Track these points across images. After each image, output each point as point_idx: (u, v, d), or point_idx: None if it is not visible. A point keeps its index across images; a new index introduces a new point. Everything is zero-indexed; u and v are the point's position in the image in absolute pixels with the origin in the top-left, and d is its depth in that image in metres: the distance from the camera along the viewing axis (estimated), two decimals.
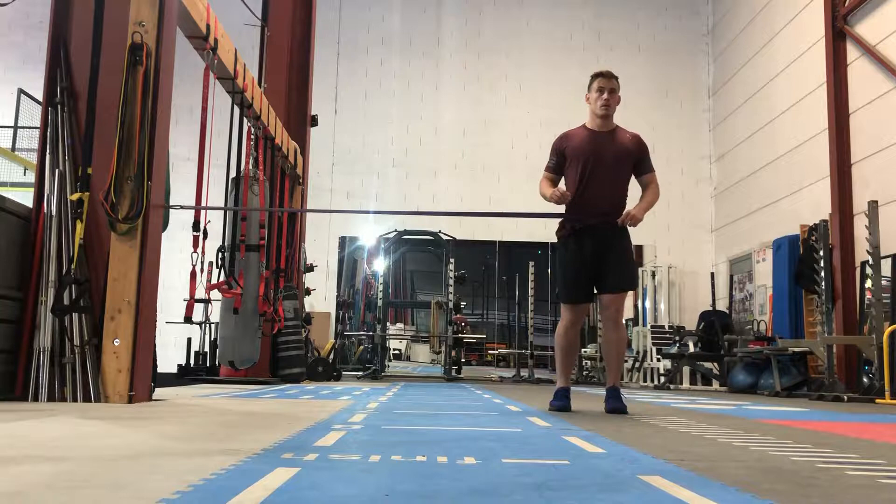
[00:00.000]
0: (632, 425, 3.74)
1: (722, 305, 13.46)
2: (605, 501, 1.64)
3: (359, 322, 16.04)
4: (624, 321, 5.37)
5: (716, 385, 11.37)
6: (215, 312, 6.99)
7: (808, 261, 9.75)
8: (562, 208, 4.67)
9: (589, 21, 14.89)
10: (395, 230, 13.87)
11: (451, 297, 12.16)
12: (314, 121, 10.28)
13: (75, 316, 4.39)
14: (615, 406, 4.49)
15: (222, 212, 6.97)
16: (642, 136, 4.85)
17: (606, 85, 4.64)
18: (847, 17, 9.90)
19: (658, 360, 12.63)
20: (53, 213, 4.53)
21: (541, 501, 1.61)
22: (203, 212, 5.76)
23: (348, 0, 14.81)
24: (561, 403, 4.60)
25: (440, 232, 13.44)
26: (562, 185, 4.72)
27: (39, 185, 4.63)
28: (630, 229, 4.68)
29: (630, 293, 15.54)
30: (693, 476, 2.02)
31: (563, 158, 4.68)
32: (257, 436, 2.76)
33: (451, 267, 12.31)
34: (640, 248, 15.36)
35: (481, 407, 5.06)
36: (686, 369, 11.69)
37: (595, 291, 4.68)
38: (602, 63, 14.93)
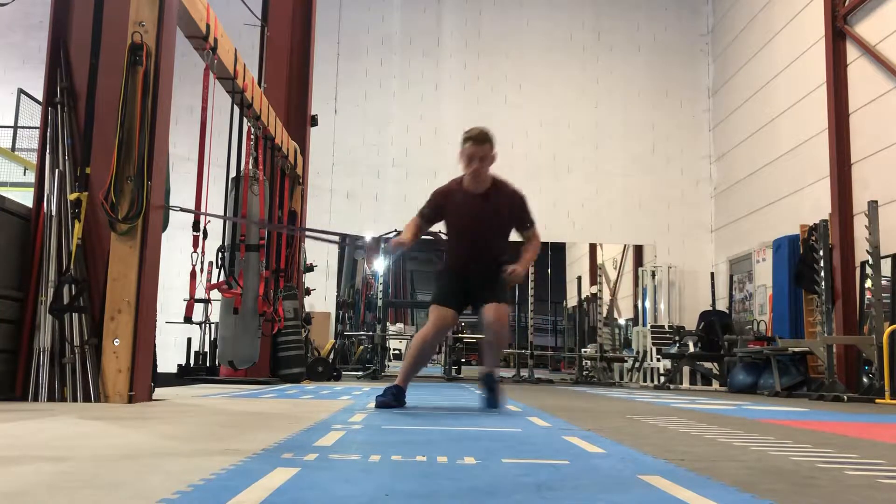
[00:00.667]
0: (632, 425, 3.74)
1: (722, 305, 13.46)
2: (605, 501, 1.64)
3: (359, 322, 16.04)
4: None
5: (716, 385, 11.38)
6: (215, 312, 6.99)
7: (808, 261, 9.76)
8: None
9: (589, 21, 14.89)
10: (396, 230, 13.86)
11: None
12: (314, 121, 10.29)
13: (75, 316, 4.39)
14: (487, 398, 4.69)
15: (222, 211, 6.98)
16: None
17: (476, 152, 4.56)
18: (847, 17, 9.90)
19: (658, 360, 12.64)
20: (53, 212, 4.53)
21: (541, 501, 1.61)
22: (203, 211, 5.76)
23: (348, 0, 14.81)
24: (385, 399, 4.51)
25: (440, 232, 13.43)
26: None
27: (39, 185, 4.63)
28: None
29: (629, 292, 15.61)
30: (693, 476, 2.02)
31: (438, 215, 4.79)
32: (257, 436, 2.76)
33: None
34: (639, 248, 15.39)
35: (481, 407, 5.05)
36: (686, 369, 11.69)
37: (471, 308, 4.77)
38: (602, 63, 15.05)
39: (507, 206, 4.71)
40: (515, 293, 15.21)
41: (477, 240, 4.70)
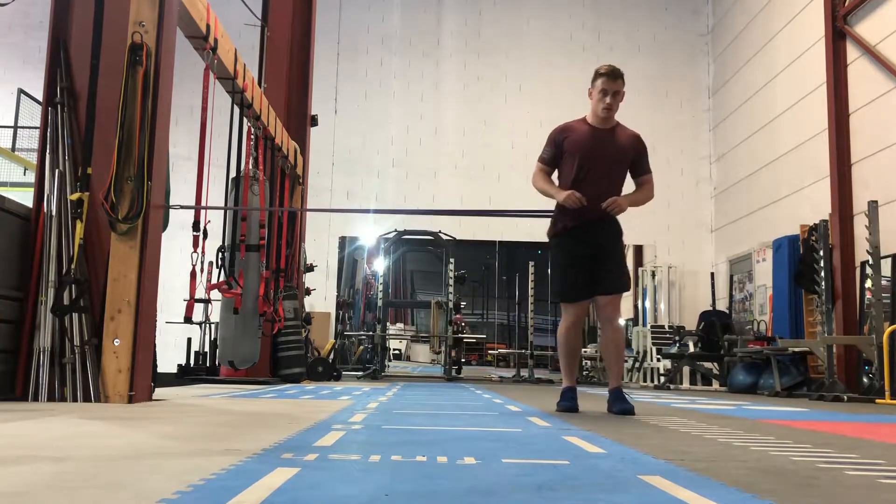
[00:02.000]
0: (632, 425, 3.74)
1: (722, 305, 13.46)
2: (605, 501, 1.64)
3: (359, 322, 16.04)
4: (621, 321, 5.35)
5: (716, 385, 11.37)
6: (215, 312, 6.99)
7: (808, 261, 9.75)
8: (554, 205, 4.64)
9: (589, 21, 14.89)
10: (395, 230, 13.86)
11: (451, 297, 12.16)
12: (314, 121, 10.29)
13: (75, 316, 4.39)
14: (623, 408, 4.41)
15: (222, 211, 6.98)
16: (642, 135, 4.80)
17: (610, 87, 4.52)
18: (847, 17, 9.90)
19: (658, 360, 12.64)
20: (53, 212, 4.53)
21: (541, 501, 1.61)
22: (203, 212, 5.76)
23: (348, 0, 14.81)
24: (568, 404, 4.54)
25: (440, 232, 13.44)
26: (554, 177, 4.69)
27: (39, 185, 4.63)
28: (624, 231, 4.69)
29: (630, 295, 15.62)
30: (693, 476, 2.02)
31: (559, 151, 4.63)
32: (257, 436, 2.76)
33: (451, 267, 12.32)
34: (640, 248, 15.39)
35: (481, 407, 5.06)
36: (686, 369, 11.69)
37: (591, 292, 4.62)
38: (602, 63, 14.96)
39: (632, 147, 4.63)
40: (515, 293, 15.20)
41: (600, 177, 4.50)
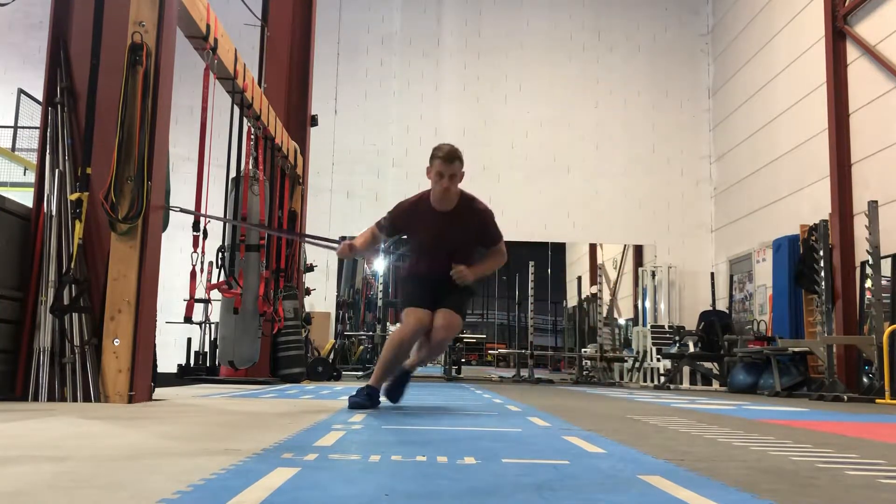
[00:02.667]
0: (632, 425, 3.74)
1: (722, 305, 13.46)
2: (605, 501, 1.64)
3: (359, 322, 16.05)
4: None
5: (716, 385, 11.37)
6: (215, 312, 6.99)
7: (808, 261, 9.75)
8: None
9: (589, 21, 14.89)
10: None
11: None
12: (314, 121, 10.29)
13: (75, 316, 4.39)
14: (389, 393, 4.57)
15: (222, 212, 6.98)
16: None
17: (446, 170, 4.40)
18: (847, 17, 9.90)
19: (658, 360, 12.64)
20: (53, 212, 4.53)
21: (541, 501, 1.61)
22: (203, 211, 5.76)
23: (348, 0, 14.81)
24: (360, 400, 4.41)
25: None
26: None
27: (39, 185, 4.63)
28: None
29: (629, 292, 15.61)
30: (693, 476, 2.02)
31: (397, 230, 4.79)
32: (257, 436, 2.76)
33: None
34: (639, 248, 15.38)
35: (481, 407, 5.06)
36: (686, 369, 11.69)
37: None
38: (602, 63, 15.05)
39: (474, 225, 4.61)
40: (516, 293, 15.20)
41: (441, 257, 4.56)
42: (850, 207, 9.71)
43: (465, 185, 4.70)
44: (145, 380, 4.57)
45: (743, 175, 13.17)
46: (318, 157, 11.96)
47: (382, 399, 4.60)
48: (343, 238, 15.13)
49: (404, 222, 4.70)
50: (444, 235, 4.57)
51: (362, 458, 2.21)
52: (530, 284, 12.79)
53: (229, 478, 1.80)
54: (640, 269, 15.00)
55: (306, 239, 9.07)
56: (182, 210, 5.38)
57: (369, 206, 14.25)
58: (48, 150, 4.63)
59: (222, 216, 6.92)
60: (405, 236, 4.85)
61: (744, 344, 10.57)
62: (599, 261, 17.05)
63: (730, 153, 13.82)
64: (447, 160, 4.42)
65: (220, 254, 6.47)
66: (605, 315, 14.77)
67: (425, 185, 4.68)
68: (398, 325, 4.72)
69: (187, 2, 5.12)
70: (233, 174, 7.00)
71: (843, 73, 9.97)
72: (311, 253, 11.46)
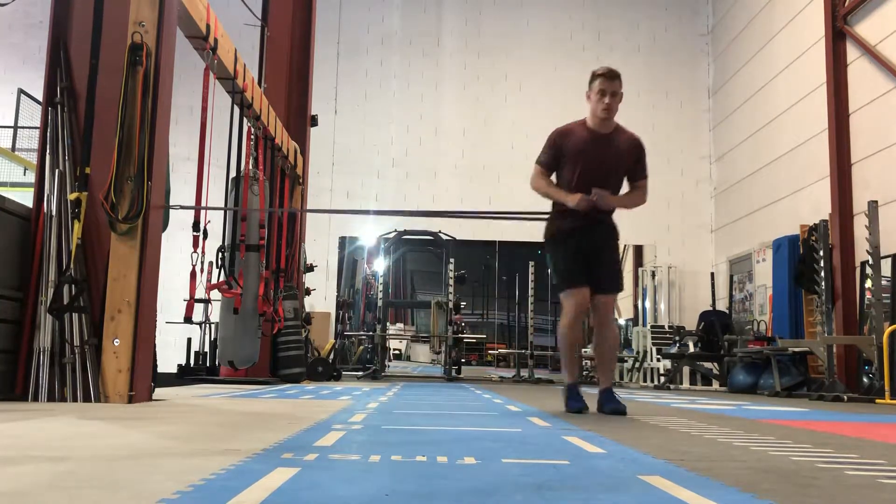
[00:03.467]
0: (632, 425, 3.74)
1: (722, 305, 13.46)
2: (605, 501, 1.64)
3: (359, 322, 16.04)
4: (620, 321, 5.32)
5: (716, 385, 11.37)
6: (215, 312, 6.99)
7: (808, 261, 9.75)
8: (550, 205, 4.62)
9: (589, 21, 14.89)
10: (395, 230, 13.86)
11: (451, 297, 12.17)
12: (314, 121, 10.29)
13: (75, 316, 4.39)
14: (615, 408, 4.37)
15: (222, 212, 6.98)
16: (642, 137, 4.77)
17: (609, 87, 4.45)
18: (847, 17, 9.90)
19: (658, 360, 12.64)
20: (53, 213, 4.53)
21: (541, 501, 1.61)
22: (203, 212, 5.76)
23: (348, 0, 14.81)
24: (578, 405, 4.43)
25: (440, 232, 13.44)
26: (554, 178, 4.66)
27: (39, 185, 4.63)
28: (624, 231, 4.68)
29: (629, 292, 15.62)
30: (693, 476, 2.02)
31: (559, 155, 4.58)
32: (257, 436, 2.76)
33: (451, 267, 12.32)
34: (640, 248, 15.39)
35: (481, 407, 5.06)
36: (686, 369, 11.69)
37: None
38: (602, 63, 14.96)
39: (631, 152, 4.57)
40: (515, 293, 15.19)
41: (599, 182, 4.42)
42: (850, 207, 9.71)
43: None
44: (145, 380, 4.57)
45: (743, 175, 13.17)
46: (318, 157, 11.96)
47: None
48: (343, 238, 15.15)
49: (561, 143, 4.56)
50: (604, 158, 4.48)
51: (362, 458, 2.21)
52: (530, 284, 12.79)
53: (229, 478, 1.80)
54: (640, 270, 15.00)
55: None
56: (182, 207, 5.38)
57: (369, 206, 14.26)
58: (48, 150, 4.63)
59: (221, 215, 6.92)
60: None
61: (744, 344, 10.56)
62: None
63: (730, 153, 13.82)
64: (609, 77, 4.46)
65: (220, 254, 6.47)
66: None
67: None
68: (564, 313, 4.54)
69: (187, 2, 5.12)
70: (233, 174, 7.00)
71: (843, 73, 9.97)
72: (311, 253, 11.46)
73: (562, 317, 4.61)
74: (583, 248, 4.51)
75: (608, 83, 4.47)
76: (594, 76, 4.53)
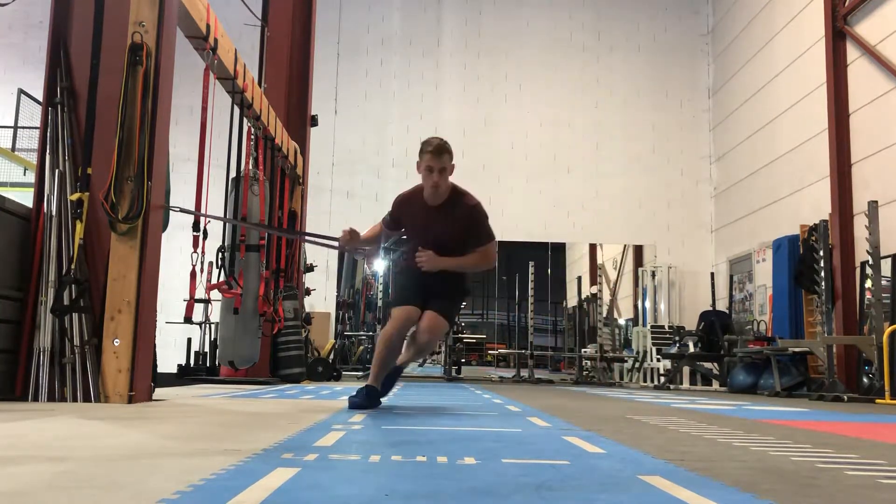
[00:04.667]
0: (632, 425, 3.74)
1: (722, 305, 13.46)
2: (605, 501, 1.64)
3: (359, 322, 16.05)
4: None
5: (716, 385, 11.38)
6: (215, 312, 6.99)
7: (808, 261, 9.75)
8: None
9: (589, 21, 14.89)
10: None
11: None
12: (314, 121, 10.29)
13: (75, 316, 4.39)
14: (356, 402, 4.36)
15: (222, 212, 6.98)
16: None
17: (435, 164, 4.40)
18: (847, 17, 9.90)
19: (658, 360, 12.64)
20: (53, 213, 4.53)
21: (541, 501, 1.61)
22: (203, 211, 5.76)
23: (348, 0, 14.81)
24: (360, 401, 4.38)
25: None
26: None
27: (39, 185, 4.63)
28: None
29: (629, 292, 15.61)
30: (693, 476, 2.02)
31: (397, 222, 4.77)
32: (257, 436, 2.76)
33: None
34: (639, 248, 15.39)
35: (481, 407, 5.06)
36: (686, 369, 11.69)
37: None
38: (602, 63, 15.05)
39: (464, 221, 4.54)
40: (515, 293, 15.17)
41: (434, 251, 4.52)
42: (850, 207, 9.71)
43: (466, 185, 4.70)
44: (145, 380, 4.57)
45: (743, 175, 13.17)
46: (318, 157, 11.96)
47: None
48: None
49: (400, 213, 4.72)
50: (432, 229, 4.56)
51: (362, 458, 2.21)
52: (530, 284, 12.79)
53: (229, 478, 1.80)
54: (640, 270, 14.99)
55: (306, 238, 9.04)
56: (182, 210, 5.38)
57: (369, 206, 14.24)
58: (48, 150, 4.63)
59: (222, 216, 6.92)
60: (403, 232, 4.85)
61: (744, 344, 10.56)
62: (599, 261, 17.05)
63: (730, 153, 13.82)
64: (436, 154, 4.41)
65: (220, 254, 6.47)
66: (605, 315, 14.76)
67: None
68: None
69: (187, 2, 5.12)
70: (233, 174, 7.00)
71: (843, 73, 9.97)
72: (311, 253, 11.46)
73: (388, 324, 4.60)
74: (418, 276, 4.58)
75: (435, 159, 4.41)
76: (422, 150, 4.49)
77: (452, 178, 4.71)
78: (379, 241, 4.94)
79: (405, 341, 4.64)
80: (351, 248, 4.74)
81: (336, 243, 4.93)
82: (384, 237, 4.86)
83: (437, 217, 4.55)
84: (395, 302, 4.68)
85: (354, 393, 4.49)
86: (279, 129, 8.05)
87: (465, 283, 4.77)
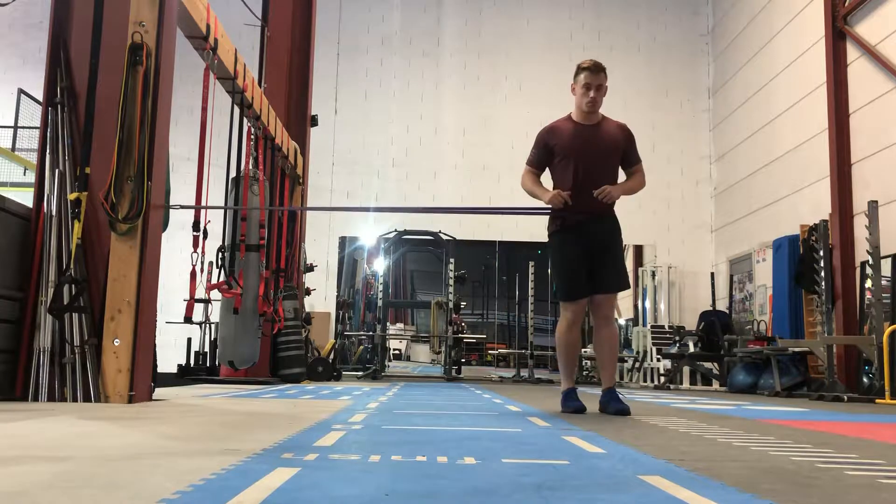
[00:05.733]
0: (632, 425, 3.74)
1: (722, 305, 13.46)
2: (605, 501, 1.64)
3: (359, 322, 16.04)
4: (620, 321, 5.29)
5: (716, 385, 11.37)
6: (215, 312, 6.99)
7: (808, 261, 9.75)
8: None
9: (589, 21, 14.89)
10: (395, 230, 13.86)
11: (451, 297, 12.17)
12: (314, 121, 10.29)
13: (75, 316, 4.39)
14: (619, 408, 4.34)
15: (222, 212, 6.98)
16: (642, 137, 4.77)
17: (593, 81, 4.49)
18: (847, 17, 9.90)
19: (658, 360, 12.64)
20: (53, 212, 4.53)
21: (541, 501, 1.61)
22: (203, 211, 5.76)
23: (348, 0, 14.81)
24: (575, 404, 4.44)
25: (440, 232, 13.44)
26: (547, 180, 4.63)
27: (39, 185, 4.63)
28: (624, 231, 4.65)
29: (629, 292, 15.62)
30: (693, 476, 2.02)
31: (548, 153, 4.58)
32: (257, 436, 2.76)
33: (451, 267, 12.32)
34: (640, 248, 15.38)
35: (481, 407, 5.06)
36: (686, 369, 11.69)
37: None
38: (602, 63, 14.97)
39: (621, 138, 4.57)
40: (515, 293, 15.15)
41: (591, 173, 4.42)
42: (850, 207, 9.71)
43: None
44: (145, 380, 4.57)
45: (743, 175, 13.17)
46: (318, 157, 11.96)
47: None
48: (343, 238, 15.13)
49: (552, 143, 4.56)
50: (594, 148, 4.48)
51: (362, 458, 2.21)
52: (530, 284, 12.79)
53: (229, 478, 1.80)
54: (640, 270, 14.99)
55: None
56: (182, 206, 5.38)
57: (369, 206, 14.26)
58: (48, 150, 4.63)
59: (221, 215, 6.92)
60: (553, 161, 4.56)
61: (744, 344, 10.56)
62: None
63: (730, 153, 13.82)
64: (594, 71, 4.50)
65: (220, 254, 6.47)
66: None
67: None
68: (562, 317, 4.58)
69: (187, 2, 5.12)
70: (233, 174, 7.00)
71: (843, 73, 9.97)
72: (311, 253, 11.46)
73: (559, 322, 4.61)
74: (582, 248, 4.48)
75: (593, 77, 4.51)
76: (579, 69, 4.57)
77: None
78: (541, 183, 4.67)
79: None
80: (560, 202, 4.39)
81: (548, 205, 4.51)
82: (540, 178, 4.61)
83: (594, 136, 4.51)
84: (568, 294, 4.51)
85: (564, 399, 4.52)
86: (279, 129, 8.05)
87: (622, 245, 4.74)
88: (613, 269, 4.54)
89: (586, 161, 4.48)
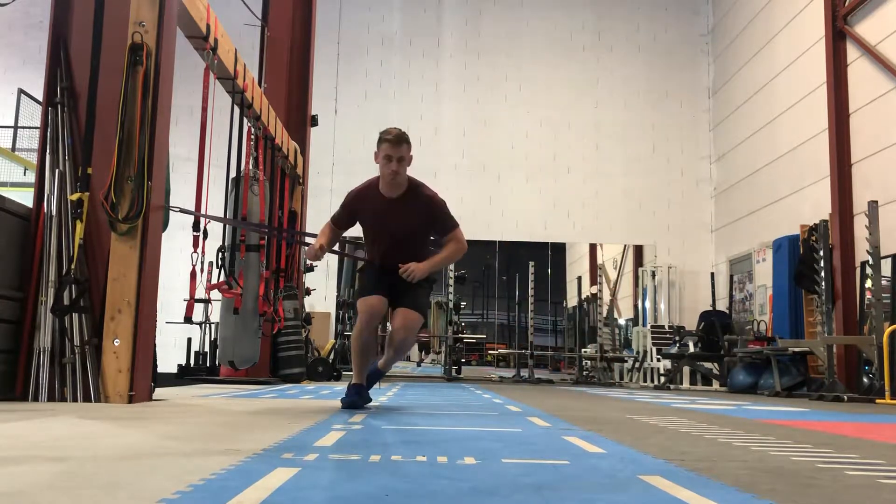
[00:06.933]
0: (632, 425, 3.74)
1: (722, 305, 13.46)
2: (605, 501, 1.64)
3: None
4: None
5: (716, 385, 11.38)
6: (215, 312, 6.99)
7: (808, 261, 9.75)
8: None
9: (589, 21, 14.89)
10: None
11: (451, 297, 12.17)
12: (314, 121, 10.29)
13: (75, 316, 4.39)
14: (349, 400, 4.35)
15: (222, 211, 6.98)
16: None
17: (395, 153, 4.30)
18: (847, 17, 9.90)
19: (658, 360, 12.64)
20: (53, 213, 4.53)
21: (541, 501, 1.61)
22: (203, 211, 5.76)
23: (348, 0, 14.81)
24: (353, 399, 4.39)
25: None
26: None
27: (39, 185, 4.63)
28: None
29: (630, 295, 15.61)
30: (693, 476, 2.02)
31: (351, 219, 4.61)
32: (257, 436, 2.76)
33: (451, 267, 12.32)
34: (640, 248, 15.38)
35: (481, 407, 5.06)
36: (686, 369, 11.69)
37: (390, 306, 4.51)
38: (602, 63, 15.05)
39: (423, 211, 4.47)
40: (515, 293, 15.18)
41: (394, 244, 4.45)
42: (850, 207, 9.71)
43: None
44: (145, 380, 4.57)
45: (743, 175, 13.17)
46: (318, 157, 11.97)
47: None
48: (344, 238, 15.09)
49: (355, 208, 4.56)
50: (392, 222, 4.45)
51: (362, 458, 2.21)
52: (530, 284, 12.79)
53: (229, 478, 1.80)
54: (640, 270, 14.99)
55: (299, 240, 8.89)
56: (182, 210, 5.39)
57: None
58: (48, 150, 4.63)
59: (222, 216, 6.92)
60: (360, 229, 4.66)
61: (744, 344, 10.56)
62: (599, 261, 17.03)
63: (730, 153, 13.82)
64: (395, 143, 4.33)
65: (220, 254, 6.48)
66: (605, 315, 14.76)
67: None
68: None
69: (187, 2, 5.12)
70: (233, 174, 7.00)
71: (843, 73, 9.97)
72: None
73: (355, 325, 4.55)
74: (385, 274, 4.48)
75: (394, 148, 4.31)
76: (381, 139, 4.40)
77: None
78: (337, 239, 4.73)
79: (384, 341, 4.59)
80: (320, 258, 4.51)
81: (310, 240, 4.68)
82: (334, 238, 4.64)
83: (396, 209, 4.43)
84: (360, 294, 4.58)
85: (345, 393, 4.49)
86: (279, 129, 8.05)
87: (428, 292, 4.68)
88: (410, 296, 4.47)
89: (391, 236, 4.48)
